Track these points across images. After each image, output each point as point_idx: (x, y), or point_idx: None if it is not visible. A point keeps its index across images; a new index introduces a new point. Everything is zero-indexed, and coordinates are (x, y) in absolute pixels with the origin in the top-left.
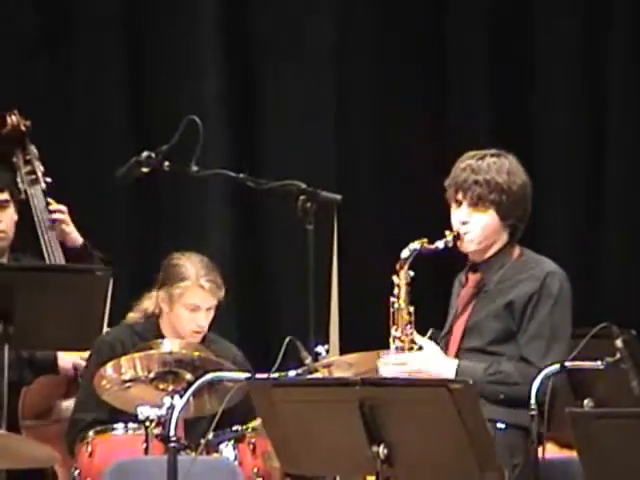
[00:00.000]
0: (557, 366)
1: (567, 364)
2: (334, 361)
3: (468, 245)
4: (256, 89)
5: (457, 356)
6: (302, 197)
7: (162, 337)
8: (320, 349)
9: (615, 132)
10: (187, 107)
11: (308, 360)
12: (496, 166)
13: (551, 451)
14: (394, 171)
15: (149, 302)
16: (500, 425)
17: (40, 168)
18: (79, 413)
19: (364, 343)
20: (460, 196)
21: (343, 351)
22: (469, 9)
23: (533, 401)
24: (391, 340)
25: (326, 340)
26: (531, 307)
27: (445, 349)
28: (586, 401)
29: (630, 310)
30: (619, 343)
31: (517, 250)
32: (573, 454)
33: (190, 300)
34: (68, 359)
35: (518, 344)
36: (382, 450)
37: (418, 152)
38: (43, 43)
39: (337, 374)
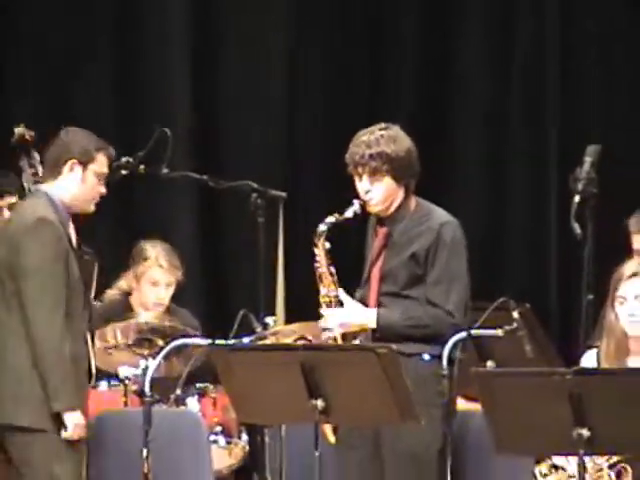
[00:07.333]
0: (465, 333)
1: (472, 332)
2: (280, 330)
3: (374, 208)
4: (217, 116)
5: (377, 300)
6: (254, 194)
7: (131, 311)
8: (269, 320)
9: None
10: (159, 120)
11: (259, 329)
12: (384, 138)
13: (460, 404)
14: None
15: (124, 281)
16: (426, 357)
17: (41, 171)
18: None
19: (306, 315)
20: (360, 170)
21: (288, 322)
22: None
23: (445, 364)
24: (320, 298)
25: (274, 313)
26: (431, 256)
27: (367, 295)
28: (489, 362)
29: (527, 286)
30: (515, 314)
31: (413, 202)
32: (478, 406)
33: (151, 276)
34: None
35: (425, 287)
36: (320, 403)
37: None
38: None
39: (283, 340)
